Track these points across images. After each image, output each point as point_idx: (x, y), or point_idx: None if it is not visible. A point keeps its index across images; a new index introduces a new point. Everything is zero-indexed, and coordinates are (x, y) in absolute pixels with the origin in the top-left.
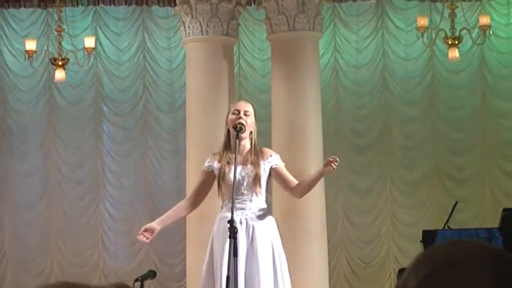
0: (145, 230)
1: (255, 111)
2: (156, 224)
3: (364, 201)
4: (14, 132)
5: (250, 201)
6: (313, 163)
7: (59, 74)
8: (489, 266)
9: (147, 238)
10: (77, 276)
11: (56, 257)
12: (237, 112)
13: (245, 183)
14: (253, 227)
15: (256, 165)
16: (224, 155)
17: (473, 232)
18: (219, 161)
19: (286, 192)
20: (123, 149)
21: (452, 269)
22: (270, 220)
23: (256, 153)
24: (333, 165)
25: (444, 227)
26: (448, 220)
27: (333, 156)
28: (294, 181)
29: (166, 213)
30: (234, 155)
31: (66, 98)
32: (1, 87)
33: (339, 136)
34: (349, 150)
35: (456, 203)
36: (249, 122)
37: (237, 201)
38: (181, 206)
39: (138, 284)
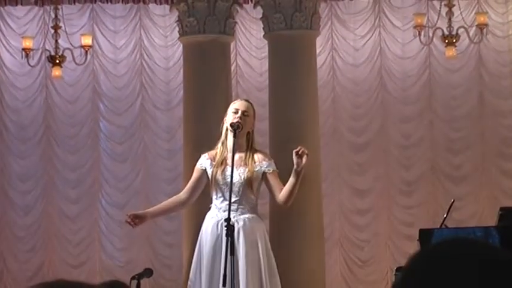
0: (136, 217)
1: (255, 111)
2: (147, 214)
3: (361, 200)
4: (11, 130)
5: (240, 203)
6: (310, 162)
7: (56, 72)
8: (485, 266)
9: (136, 224)
10: (74, 275)
11: (53, 256)
12: (236, 111)
13: (236, 185)
14: (239, 230)
15: (249, 167)
16: (219, 153)
17: (470, 231)
18: (214, 160)
19: (273, 197)
20: (120, 148)
21: (448, 269)
22: (258, 224)
23: (252, 155)
24: (303, 158)
25: (441, 226)
26: (445, 219)
27: (299, 148)
28: (279, 191)
29: (158, 206)
30: (229, 154)
31: (62, 96)
32: None
33: (336, 135)
34: (346, 149)
35: (453, 201)
36: (247, 122)
37: (226, 202)
38: (173, 201)
39: (134, 282)
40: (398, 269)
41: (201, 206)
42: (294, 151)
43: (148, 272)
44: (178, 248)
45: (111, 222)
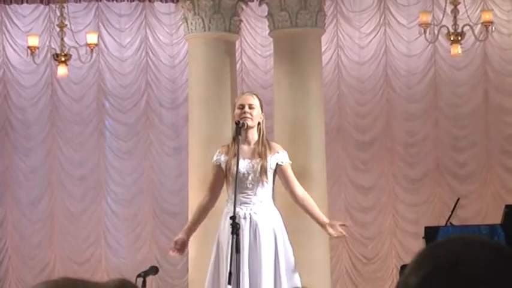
0: (176, 244)
1: (261, 102)
2: (184, 235)
3: (366, 198)
4: (17, 128)
5: (255, 195)
6: (315, 159)
7: (61, 70)
8: (491, 264)
9: (180, 251)
10: (80, 273)
11: (58, 254)
12: (241, 107)
13: (250, 177)
14: (256, 222)
15: (263, 157)
16: (232, 148)
17: (475, 228)
18: (227, 154)
19: (286, 190)
20: (125, 145)
21: (454, 267)
22: (274, 215)
23: (264, 146)
24: (339, 232)
25: (446, 224)
26: (450, 217)
27: (343, 226)
28: (296, 183)
29: (191, 221)
30: (242, 148)
31: (68, 94)
32: (3, 83)
33: (341, 132)
34: (351, 147)
35: (458, 199)
36: (255, 114)
37: (241, 195)
38: (200, 209)
39: (140, 279)
40: (403, 267)
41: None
42: (340, 224)
43: (154, 270)
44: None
45: (116, 220)
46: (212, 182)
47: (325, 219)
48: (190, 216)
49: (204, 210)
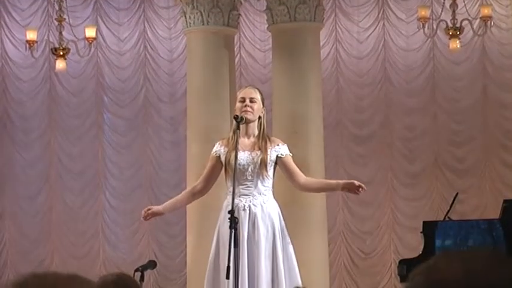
0: (153, 214)
1: (262, 96)
2: (162, 210)
3: (364, 192)
4: (15, 122)
5: (255, 187)
6: (314, 153)
7: (60, 64)
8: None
9: (147, 220)
10: (78, 267)
11: (56, 248)
12: (242, 100)
13: (250, 169)
14: (255, 214)
15: (263, 150)
16: (232, 141)
17: (474, 223)
18: (227, 147)
19: (290, 182)
20: (123, 140)
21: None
22: (274, 208)
23: (264, 139)
24: (358, 191)
25: (445, 218)
26: (448, 211)
27: (362, 186)
28: (299, 174)
29: (175, 199)
30: (242, 141)
31: (66, 88)
32: (2, 77)
33: (339, 127)
34: (349, 141)
35: (457, 194)
36: (256, 108)
37: (241, 187)
38: (189, 192)
39: (138, 274)
40: (401, 262)
41: (205, 197)
42: (357, 184)
43: (152, 264)
44: (182, 239)
45: (114, 214)
46: (208, 172)
47: (338, 182)
48: (177, 196)
49: (191, 195)
